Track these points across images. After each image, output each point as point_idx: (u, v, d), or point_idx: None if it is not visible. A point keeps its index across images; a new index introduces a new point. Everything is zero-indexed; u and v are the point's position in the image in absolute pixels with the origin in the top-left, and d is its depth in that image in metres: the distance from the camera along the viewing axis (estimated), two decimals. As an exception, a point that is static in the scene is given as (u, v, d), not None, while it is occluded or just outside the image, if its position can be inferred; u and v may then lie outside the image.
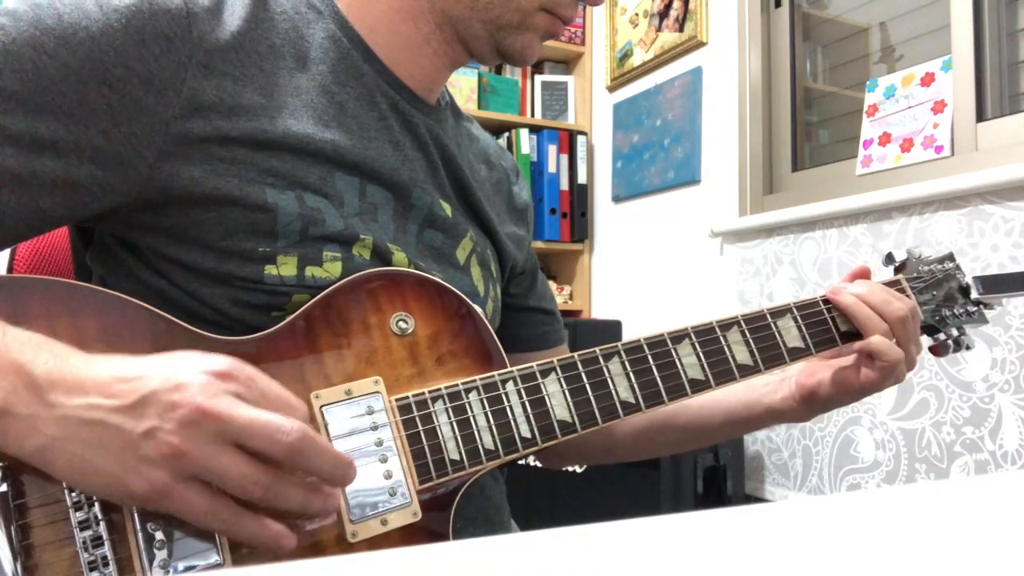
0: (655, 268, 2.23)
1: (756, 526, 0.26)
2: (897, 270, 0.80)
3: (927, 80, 1.57)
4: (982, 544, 0.24)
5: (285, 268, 0.59)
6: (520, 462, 0.76)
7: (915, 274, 0.78)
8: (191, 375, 0.46)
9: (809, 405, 0.75)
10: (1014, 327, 1.32)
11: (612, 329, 2.08)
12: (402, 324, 0.60)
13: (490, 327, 0.64)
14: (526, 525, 0.64)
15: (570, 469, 1.71)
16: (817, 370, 0.74)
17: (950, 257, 0.81)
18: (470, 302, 0.63)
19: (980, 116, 1.48)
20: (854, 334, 0.72)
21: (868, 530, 0.25)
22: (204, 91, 0.57)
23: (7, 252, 0.77)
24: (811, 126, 1.97)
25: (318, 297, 0.59)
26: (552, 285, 2.55)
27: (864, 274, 0.76)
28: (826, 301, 0.73)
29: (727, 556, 0.23)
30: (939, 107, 1.53)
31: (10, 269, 0.76)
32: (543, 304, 0.89)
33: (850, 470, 1.61)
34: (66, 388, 0.45)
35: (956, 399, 1.41)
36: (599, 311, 2.49)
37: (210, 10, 0.59)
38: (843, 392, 0.72)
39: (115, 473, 0.45)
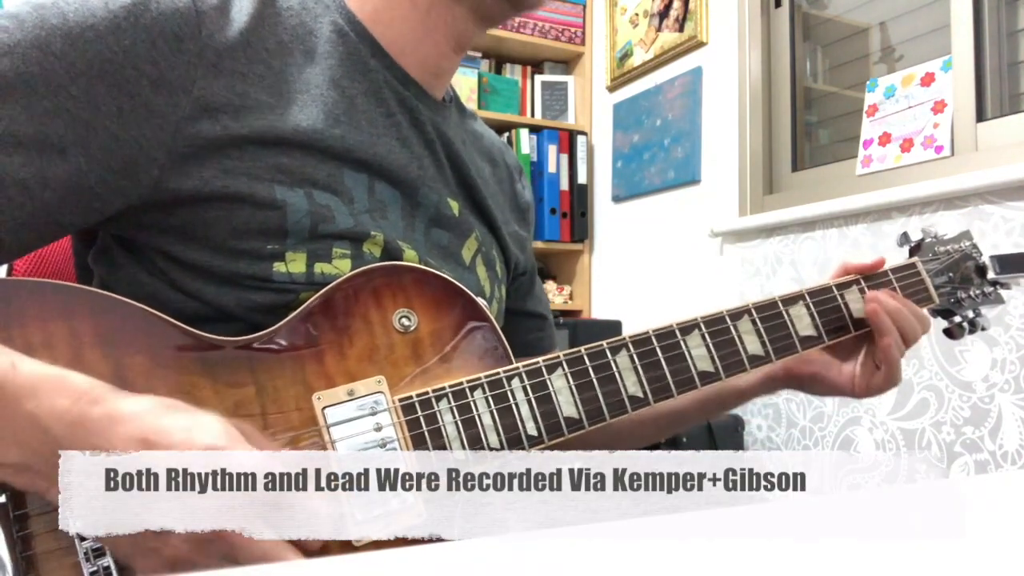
0: (655, 268, 2.23)
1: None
2: (912, 251, 0.77)
3: (927, 80, 1.57)
4: (982, 544, 0.24)
5: (294, 265, 0.59)
6: (520, 462, 0.75)
7: (931, 255, 0.76)
8: None
9: (785, 387, 0.76)
10: (1014, 327, 1.32)
11: (612, 329, 2.08)
12: (405, 321, 0.59)
13: (495, 322, 0.63)
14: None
15: (570, 469, 1.71)
16: (817, 361, 0.75)
17: (967, 235, 0.78)
18: (474, 296, 0.62)
19: (980, 116, 1.48)
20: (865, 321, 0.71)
21: (868, 530, 0.25)
22: (214, 91, 0.57)
23: (7, 252, 0.77)
24: (811, 126, 1.97)
25: (318, 295, 0.58)
26: (552, 285, 2.55)
27: (878, 267, 0.74)
28: (839, 287, 0.71)
29: (727, 556, 0.23)
30: (939, 107, 1.53)
31: (10, 270, 0.76)
32: (539, 309, 0.88)
33: (850, 470, 1.61)
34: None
35: (956, 399, 1.41)
36: (599, 311, 2.49)
37: (218, 8, 0.58)
38: (843, 389, 0.74)
39: (124, 547, 0.46)
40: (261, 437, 0.50)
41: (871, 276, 0.73)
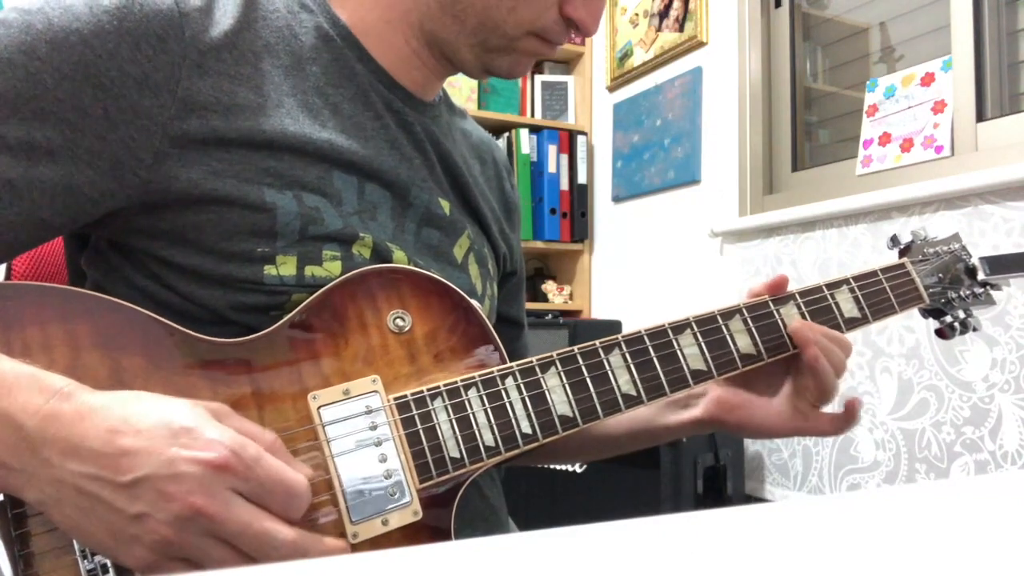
0: (655, 268, 2.23)
1: (756, 526, 0.26)
2: (902, 253, 0.78)
3: (927, 80, 1.57)
4: (982, 544, 0.24)
5: (284, 268, 0.59)
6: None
7: (920, 257, 0.76)
8: (189, 465, 0.44)
9: (712, 430, 0.74)
10: (1014, 327, 1.32)
11: (612, 329, 2.08)
12: (399, 321, 0.60)
13: (488, 323, 0.63)
14: (526, 525, 0.63)
15: (570, 469, 1.71)
16: (740, 406, 0.71)
17: (956, 238, 0.79)
18: (467, 297, 0.63)
19: (980, 116, 1.48)
20: (859, 319, 0.70)
21: (868, 530, 0.25)
22: (199, 91, 0.57)
23: (6, 252, 0.77)
24: (811, 126, 1.97)
25: (314, 296, 0.58)
26: (552, 285, 2.55)
27: (782, 283, 0.71)
28: (829, 286, 0.70)
29: (727, 556, 0.23)
30: (939, 107, 1.53)
31: (8, 272, 0.76)
32: (521, 317, 0.88)
33: (850, 470, 1.61)
34: (60, 449, 0.44)
35: (956, 399, 1.41)
36: (599, 311, 2.49)
37: (201, 9, 0.58)
38: (774, 429, 0.70)
39: (106, 543, 0.45)
40: (237, 417, 0.50)
41: (860, 276, 0.72)
